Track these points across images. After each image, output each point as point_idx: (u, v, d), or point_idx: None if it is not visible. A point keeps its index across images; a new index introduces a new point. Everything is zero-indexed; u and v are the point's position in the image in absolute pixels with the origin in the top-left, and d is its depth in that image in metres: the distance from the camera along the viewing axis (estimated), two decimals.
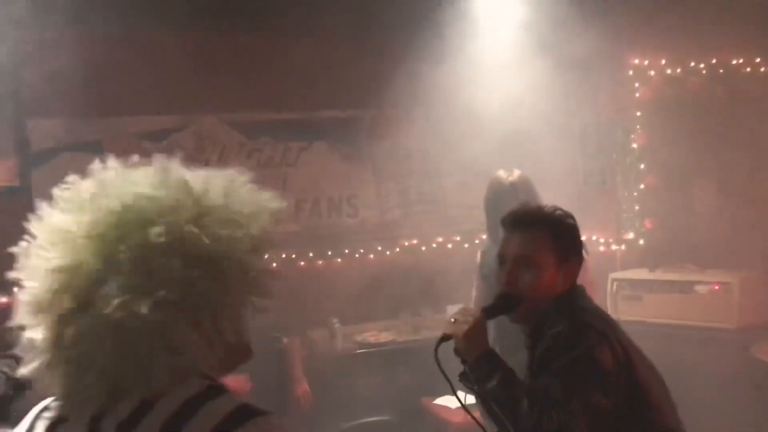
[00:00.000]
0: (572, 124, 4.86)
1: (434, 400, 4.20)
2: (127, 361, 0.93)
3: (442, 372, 1.83)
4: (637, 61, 4.88)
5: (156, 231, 0.98)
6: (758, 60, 5.15)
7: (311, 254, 4.76)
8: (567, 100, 4.74)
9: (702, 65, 4.97)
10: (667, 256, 4.24)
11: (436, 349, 1.85)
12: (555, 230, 1.92)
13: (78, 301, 0.95)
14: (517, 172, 3.18)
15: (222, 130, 4.59)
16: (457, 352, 1.86)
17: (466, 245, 5.11)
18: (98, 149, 4.01)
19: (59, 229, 1.01)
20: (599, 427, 1.75)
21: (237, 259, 1.03)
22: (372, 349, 4.36)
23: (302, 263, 4.73)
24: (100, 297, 0.94)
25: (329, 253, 4.80)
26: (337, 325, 4.35)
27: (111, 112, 4.21)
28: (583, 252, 2.01)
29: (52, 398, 1.04)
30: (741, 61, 5.12)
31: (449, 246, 5.07)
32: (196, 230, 1.01)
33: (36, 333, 0.97)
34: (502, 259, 1.95)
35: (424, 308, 4.77)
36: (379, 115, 4.95)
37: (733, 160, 4.80)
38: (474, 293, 3.51)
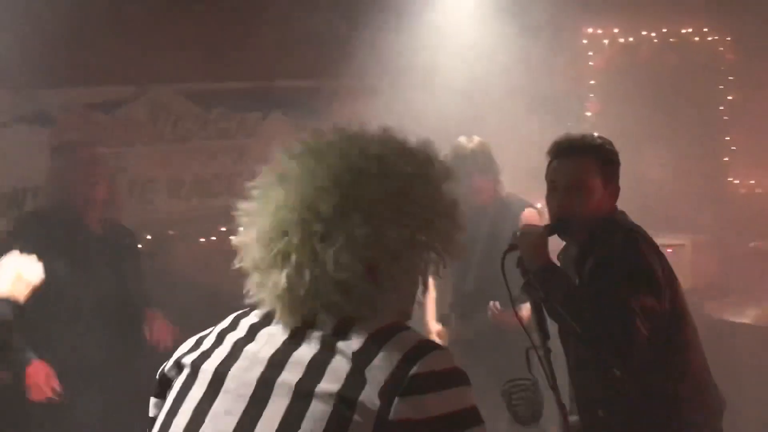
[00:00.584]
0: (529, 93, 4.90)
1: None
2: (343, 295, 1.08)
3: (505, 280, 1.97)
4: (591, 30, 4.95)
5: (389, 185, 1.13)
6: (706, 29, 5.27)
7: None
8: (523, 69, 4.79)
9: (654, 34, 5.07)
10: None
11: (502, 259, 2.01)
12: (600, 156, 2.09)
13: (304, 240, 1.10)
14: (476, 139, 3.24)
15: (176, 101, 4.49)
16: (520, 261, 2.00)
17: None
18: (49, 121, 3.90)
19: (294, 173, 1.16)
20: (651, 330, 1.87)
21: (441, 219, 1.15)
22: None
23: None
24: (329, 240, 1.09)
25: None
26: None
27: (61, 83, 4.08)
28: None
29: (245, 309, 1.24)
30: (690, 30, 5.24)
31: None
32: (420, 190, 1.15)
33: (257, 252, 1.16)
34: (553, 185, 2.11)
35: None
36: (336, 85, 4.91)
37: (684, 127, 4.93)
38: None
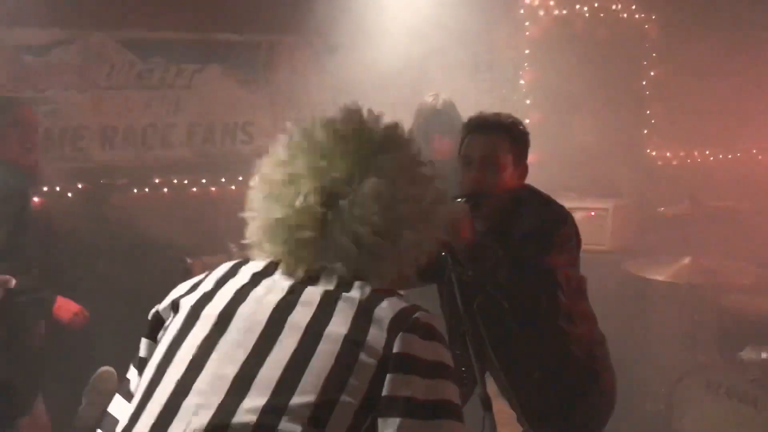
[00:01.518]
0: (466, 59, 5.02)
1: None
2: (352, 249, 1.17)
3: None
4: (528, 1, 5.09)
5: (403, 158, 1.26)
6: (634, 7, 5.51)
7: (204, 180, 4.70)
8: (462, 36, 4.89)
9: (586, 8, 5.26)
10: (549, 186, 4.54)
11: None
12: (512, 134, 2.17)
13: (320, 193, 1.19)
14: (442, 97, 3.28)
15: (111, 48, 4.36)
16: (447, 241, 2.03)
17: None
18: None
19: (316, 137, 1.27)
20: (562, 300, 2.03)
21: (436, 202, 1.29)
22: None
23: (195, 189, 4.66)
24: (346, 197, 1.18)
25: (223, 180, 4.75)
26: (234, 250, 4.35)
27: None
28: None
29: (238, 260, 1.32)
30: (619, 6, 5.46)
31: None
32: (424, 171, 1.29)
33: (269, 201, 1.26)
34: (467, 159, 2.18)
35: None
36: (277, 41, 4.88)
37: (610, 99, 5.17)
38: None
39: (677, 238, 2.49)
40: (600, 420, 2.18)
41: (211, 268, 4.29)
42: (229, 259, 4.46)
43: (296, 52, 4.95)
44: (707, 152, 6.02)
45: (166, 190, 4.57)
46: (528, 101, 4.90)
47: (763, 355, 2.91)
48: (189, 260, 3.32)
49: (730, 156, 6.10)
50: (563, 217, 2.14)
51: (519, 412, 2.18)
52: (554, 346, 2.11)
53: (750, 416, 2.84)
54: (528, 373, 2.14)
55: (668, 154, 5.84)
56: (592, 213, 3.98)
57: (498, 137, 2.16)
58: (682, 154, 5.91)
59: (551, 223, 2.10)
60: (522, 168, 2.21)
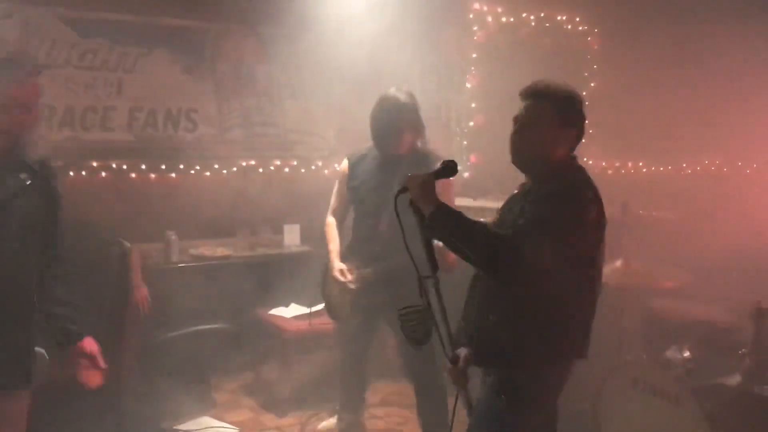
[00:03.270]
0: (414, 58, 5.07)
1: (269, 310, 4.35)
2: None
3: (399, 220, 2.15)
4: (477, 6, 5.18)
5: None
6: (578, 19, 5.68)
7: (144, 166, 4.61)
8: (410, 36, 4.94)
9: (532, 17, 5.40)
10: (488, 188, 4.66)
11: (395, 199, 2.16)
12: (557, 99, 2.23)
13: None
14: (407, 91, 3.28)
15: (52, 25, 4.25)
16: (413, 203, 2.16)
17: (303, 170, 5.22)
18: None
19: None
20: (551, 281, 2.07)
21: None
22: (208, 263, 4.37)
23: (133, 175, 4.57)
24: None
25: (163, 167, 4.67)
26: (173, 238, 4.29)
27: None
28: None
29: None
30: (564, 17, 5.63)
31: (286, 170, 5.15)
32: None
33: None
34: (515, 121, 2.27)
35: (261, 228, 4.84)
36: (225, 29, 4.84)
37: None
38: (333, 202, 3.57)
39: (609, 242, 2.57)
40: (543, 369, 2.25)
41: (148, 255, 4.25)
42: (167, 248, 4.46)
43: (242, 41, 4.91)
44: (640, 164, 6.26)
45: (104, 174, 4.47)
46: (473, 104, 4.99)
47: (686, 354, 3.06)
48: (126, 244, 3.25)
49: (661, 168, 6.36)
50: (568, 186, 2.17)
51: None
52: (517, 303, 2.18)
53: (672, 412, 2.96)
54: (484, 314, 2.25)
55: (604, 164, 6.04)
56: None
57: (540, 103, 2.23)
58: (617, 164, 6.13)
59: (563, 198, 2.13)
60: (566, 133, 2.24)
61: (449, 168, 2.24)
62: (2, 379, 2.35)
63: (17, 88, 2.29)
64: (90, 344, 2.49)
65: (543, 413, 2.32)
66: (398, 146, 3.28)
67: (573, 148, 2.30)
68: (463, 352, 2.26)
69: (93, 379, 2.49)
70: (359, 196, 3.43)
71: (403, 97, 3.25)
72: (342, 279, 3.30)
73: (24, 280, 2.43)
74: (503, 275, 2.09)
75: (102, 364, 2.48)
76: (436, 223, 2.12)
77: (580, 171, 2.27)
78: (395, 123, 3.22)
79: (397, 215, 2.15)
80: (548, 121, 2.21)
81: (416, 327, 2.19)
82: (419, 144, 3.35)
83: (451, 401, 3.36)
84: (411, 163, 3.29)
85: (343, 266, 3.35)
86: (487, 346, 2.25)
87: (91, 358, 2.47)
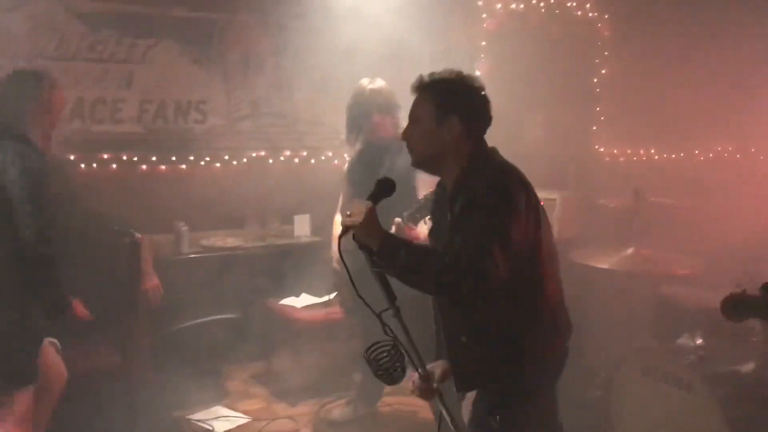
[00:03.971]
0: (422, 47, 5.05)
1: (280, 300, 4.37)
2: None
3: (344, 263, 2.00)
4: None
5: None
6: (588, 5, 5.63)
7: (154, 158, 4.62)
8: (418, 24, 4.92)
9: (542, 4, 5.35)
10: None
11: (339, 241, 2.00)
12: (433, 89, 2.14)
13: None
14: (379, 82, 3.31)
15: (60, 17, 4.25)
16: (358, 241, 1.98)
17: (312, 161, 5.22)
18: None
19: None
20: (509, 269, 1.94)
21: None
22: (218, 254, 4.39)
23: (144, 167, 4.59)
24: None
25: (173, 158, 4.69)
26: (183, 229, 4.31)
27: None
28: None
29: None
30: (574, 4, 5.57)
31: (296, 160, 5.15)
32: None
33: None
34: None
35: (272, 218, 4.84)
36: (232, 20, 4.83)
37: (562, 94, 5.27)
38: (341, 199, 3.64)
39: (621, 229, 2.56)
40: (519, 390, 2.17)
41: (159, 246, 4.29)
42: (178, 239, 4.47)
43: (251, 31, 4.91)
44: (652, 151, 6.21)
45: (114, 166, 4.48)
46: (482, 92, 4.95)
47: (698, 342, 3.04)
48: (137, 235, 3.26)
49: (673, 155, 6.31)
50: (508, 183, 2.04)
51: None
52: (480, 316, 2.09)
53: (684, 400, 2.95)
54: (455, 337, 2.17)
55: (615, 151, 6.00)
56: (541, 203, 4.05)
57: (420, 95, 2.16)
58: (628, 151, 6.09)
59: (491, 191, 2.00)
60: (452, 121, 2.10)
61: (385, 187, 2.04)
62: (9, 379, 2.50)
63: (55, 94, 2.71)
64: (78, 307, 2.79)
65: (539, 415, 2.24)
66: (372, 133, 3.30)
67: (474, 135, 2.16)
68: (438, 367, 2.21)
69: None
70: (354, 190, 3.47)
71: (369, 84, 3.29)
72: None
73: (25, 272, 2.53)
74: (466, 297, 1.94)
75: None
76: (384, 258, 1.96)
77: (491, 157, 2.15)
78: (363, 109, 3.25)
79: (341, 256, 2.00)
80: (427, 114, 2.11)
81: (389, 366, 1.99)
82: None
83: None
84: (393, 150, 3.31)
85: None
86: (467, 369, 2.17)
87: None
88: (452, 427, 2.13)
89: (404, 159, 3.20)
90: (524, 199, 2.04)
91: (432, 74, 2.19)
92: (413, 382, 2.19)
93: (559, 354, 2.23)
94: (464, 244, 1.93)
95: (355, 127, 3.32)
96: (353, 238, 1.98)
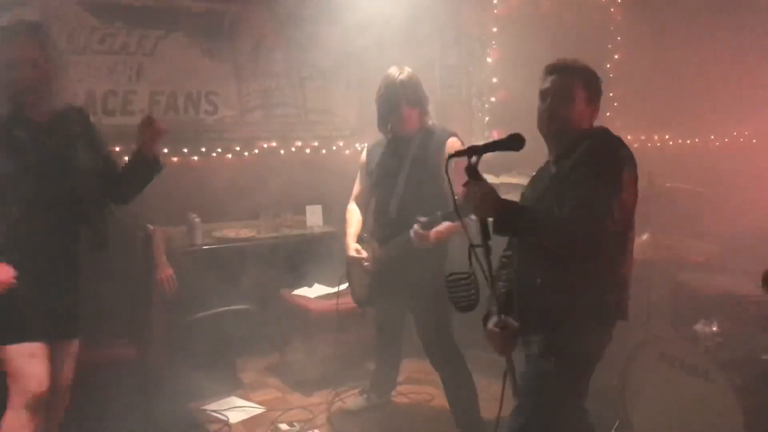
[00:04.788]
0: (434, 34, 5.02)
1: (293, 291, 4.37)
2: None
3: (451, 186, 2.20)
4: None
5: None
6: None
7: (166, 150, 4.62)
8: (430, 11, 4.88)
9: None
10: (511, 164, 4.60)
11: (446, 163, 2.18)
12: (584, 77, 2.36)
13: None
14: (407, 70, 3.27)
15: (71, 10, 4.25)
16: (478, 214, 2.17)
17: (324, 151, 5.21)
18: None
19: None
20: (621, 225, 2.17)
21: None
22: (231, 245, 4.39)
23: None
24: None
25: (185, 150, 4.69)
26: (196, 221, 4.31)
27: None
28: None
29: None
30: None
31: (307, 151, 5.14)
32: None
33: None
34: (544, 94, 2.37)
35: (284, 210, 4.84)
36: (243, 10, 4.81)
37: None
38: (355, 189, 3.63)
39: (636, 215, 2.53)
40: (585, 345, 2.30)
41: (172, 238, 4.30)
42: (191, 231, 4.48)
43: (260, 23, 4.89)
44: (666, 137, 6.14)
45: (126, 158, 4.47)
46: (494, 79, 4.91)
47: (714, 328, 3.00)
48: (150, 227, 3.27)
49: (688, 141, 6.24)
50: (621, 151, 2.24)
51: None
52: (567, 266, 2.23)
53: (701, 386, 2.92)
54: (530, 281, 2.28)
55: (629, 137, 5.93)
56: None
57: (570, 77, 2.34)
58: (642, 137, 6.02)
59: (608, 155, 2.22)
60: (594, 107, 2.37)
61: (516, 142, 2.19)
62: (58, 329, 2.61)
63: (16, 48, 2.47)
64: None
65: (588, 374, 2.36)
66: (401, 125, 3.27)
67: (594, 120, 2.41)
68: (509, 320, 2.27)
69: None
70: (373, 180, 3.45)
71: (398, 74, 3.25)
72: (356, 256, 3.34)
73: (75, 231, 2.66)
74: (586, 249, 2.16)
75: None
76: (501, 230, 2.17)
77: (607, 130, 2.36)
78: (392, 100, 3.22)
79: (449, 180, 2.18)
80: (578, 95, 2.33)
81: (462, 294, 2.24)
82: (428, 122, 3.34)
83: (479, 379, 3.40)
84: (418, 142, 3.29)
85: (357, 246, 3.39)
86: (535, 310, 2.28)
87: None
88: (512, 383, 2.26)
89: (433, 153, 3.22)
90: (633, 164, 2.25)
91: (575, 59, 2.39)
92: (491, 331, 2.28)
93: (618, 315, 2.32)
94: (591, 196, 2.13)
95: (385, 118, 3.29)
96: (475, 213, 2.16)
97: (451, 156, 2.18)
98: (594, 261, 2.21)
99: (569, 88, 2.33)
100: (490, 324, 2.28)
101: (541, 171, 2.51)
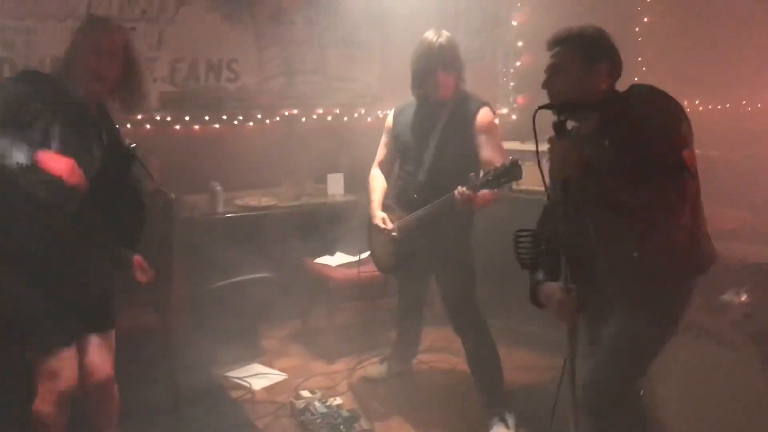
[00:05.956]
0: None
1: (315, 259, 4.37)
2: None
3: (536, 138, 2.16)
4: None
5: None
6: None
7: (187, 118, 4.61)
8: None
9: None
10: (538, 127, 4.52)
11: (534, 115, 2.16)
12: (575, 44, 2.29)
13: None
14: (445, 34, 3.19)
15: None
16: (554, 178, 2.23)
17: (345, 118, 5.16)
18: None
19: None
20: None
21: None
22: (253, 213, 4.39)
23: (177, 127, 4.59)
24: None
25: (206, 118, 4.67)
26: (218, 189, 4.31)
27: None
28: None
29: None
30: None
31: (329, 118, 5.09)
32: None
33: None
34: (545, 72, 2.34)
35: (305, 177, 4.82)
36: None
37: None
38: (378, 154, 3.57)
39: None
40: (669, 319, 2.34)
41: (194, 206, 4.30)
42: (213, 199, 4.47)
43: None
44: (697, 102, 5.99)
45: (148, 126, 4.49)
46: (520, 43, 4.82)
47: (743, 298, 2.94)
48: (172, 195, 3.27)
49: (719, 106, 6.09)
50: (667, 102, 2.23)
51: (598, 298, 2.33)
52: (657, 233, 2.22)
53: (728, 357, 2.87)
54: (626, 254, 2.25)
55: None
56: None
57: (563, 50, 2.30)
58: None
59: (654, 110, 2.20)
60: (599, 68, 2.28)
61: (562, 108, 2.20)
62: (97, 323, 2.64)
63: (106, 37, 2.53)
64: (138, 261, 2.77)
65: (673, 333, 2.40)
66: (435, 90, 3.19)
67: (615, 80, 2.34)
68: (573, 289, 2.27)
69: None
70: (400, 145, 3.39)
71: (438, 38, 3.15)
72: (383, 227, 3.30)
73: (110, 229, 2.63)
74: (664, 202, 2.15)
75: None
76: (583, 189, 2.16)
77: (641, 87, 2.31)
78: (429, 65, 3.14)
79: (535, 132, 2.15)
80: (577, 63, 2.27)
81: (526, 250, 2.27)
82: (463, 88, 3.27)
83: (500, 348, 3.37)
84: (451, 109, 3.22)
85: (383, 215, 3.34)
86: (615, 270, 2.28)
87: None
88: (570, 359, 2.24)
89: (464, 121, 3.16)
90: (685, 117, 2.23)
91: (570, 27, 2.32)
92: (559, 298, 2.26)
93: (700, 269, 2.34)
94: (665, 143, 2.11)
95: (420, 82, 3.22)
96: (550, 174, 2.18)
97: (541, 107, 2.18)
98: (671, 215, 2.20)
99: (563, 62, 2.28)
100: (552, 289, 2.27)
101: (563, 143, 2.36)
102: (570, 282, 2.21)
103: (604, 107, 2.28)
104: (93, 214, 2.50)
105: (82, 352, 2.61)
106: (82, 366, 2.59)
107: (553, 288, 2.28)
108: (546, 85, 2.32)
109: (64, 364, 2.51)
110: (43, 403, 2.50)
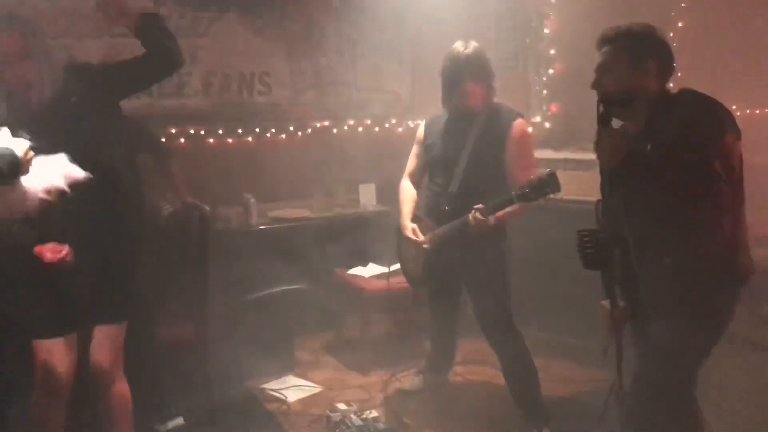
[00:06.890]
0: (488, 6, 4.88)
1: (348, 270, 4.36)
2: None
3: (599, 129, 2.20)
4: None
5: None
6: None
7: (221, 131, 4.66)
8: None
9: None
10: (569, 138, 4.47)
11: (597, 107, 2.20)
12: (624, 41, 2.29)
13: None
14: (472, 44, 3.17)
15: None
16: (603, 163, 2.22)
17: (377, 129, 5.16)
18: None
19: None
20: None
21: None
22: (286, 225, 4.40)
23: (211, 140, 4.63)
24: None
25: (240, 131, 4.71)
26: (251, 201, 4.34)
27: None
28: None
29: None
30: None
31: (360, 129, 5.10)
32: None
33: None
34: (595, 71, 2.34)
35: (337, 188, 4.83)
36: None
37: None
38: (409, 165, 3.56)
39: None
40: (712, 327, 2.32)
41: (228, 219, 4.33)
42: (246, 211, 4.50)
43: (312, 1, 4.85)
44: (734, 107, 5.86)
45: (182, 140, 4.54)
46: (552, 51, 4.75)
47: None
48: (206, 208, 3.29)
49: (757, 111, 5.95)
50: (714, 110, 2.22)
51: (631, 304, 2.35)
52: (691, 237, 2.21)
53: None
54: (659, 259, 2.26)
55: None
56: None
57: (613, 48, 2.30)
58: None
59: (708, 116, 2.20)
60: (648, 66, 2.28)
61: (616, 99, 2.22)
62: (99, 314, 2.58)
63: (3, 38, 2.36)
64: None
65: (720, 336, 2.37)
66: (465, 101, 3.17)
67: (665, 80, 2.33)
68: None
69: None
70: (431, 156, 3.38)
71: (465, 48, 3.14)
72: (414, 238, 3.28)
73: (110, 210, 2.57)
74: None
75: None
76: (632, 175, 2.16)
77: (693, 93, 2.30)
78: (457, 76, 3.12)
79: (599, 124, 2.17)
80: (625, 62, 2.26)
81: (589, 250, 2.23)
82: (493, 99, 3.24)
83: (536, 360, 3.32)
84: (483, 120, 3.20)
85: (414, 226, 3.33)
86: (662, 276, 2.27)
87: None
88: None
89: (498, 133, 3.14)
90: (731, 124, 2.24)
91: (618, 26, 2.32)
92: (603, 307, 2.31)
93: (745, 274, 2.32)
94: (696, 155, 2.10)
95: (449, 93, 3.22)
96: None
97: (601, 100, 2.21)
98: (706, 223, 2.19)
99: (611, 61, 2.28)
100: (601, 304, 2.31)
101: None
102: (618, 297, 2.23)
103: (652, 108, 2.26)
104: (87, 206, 2.43)
105: (83, 345, 2.60)
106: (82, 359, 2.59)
107: (602, 303, 2.31)
108: (595, 84, 2.31)
109: (56, 354, 2.50)
110: (38, 394, 2.51)
